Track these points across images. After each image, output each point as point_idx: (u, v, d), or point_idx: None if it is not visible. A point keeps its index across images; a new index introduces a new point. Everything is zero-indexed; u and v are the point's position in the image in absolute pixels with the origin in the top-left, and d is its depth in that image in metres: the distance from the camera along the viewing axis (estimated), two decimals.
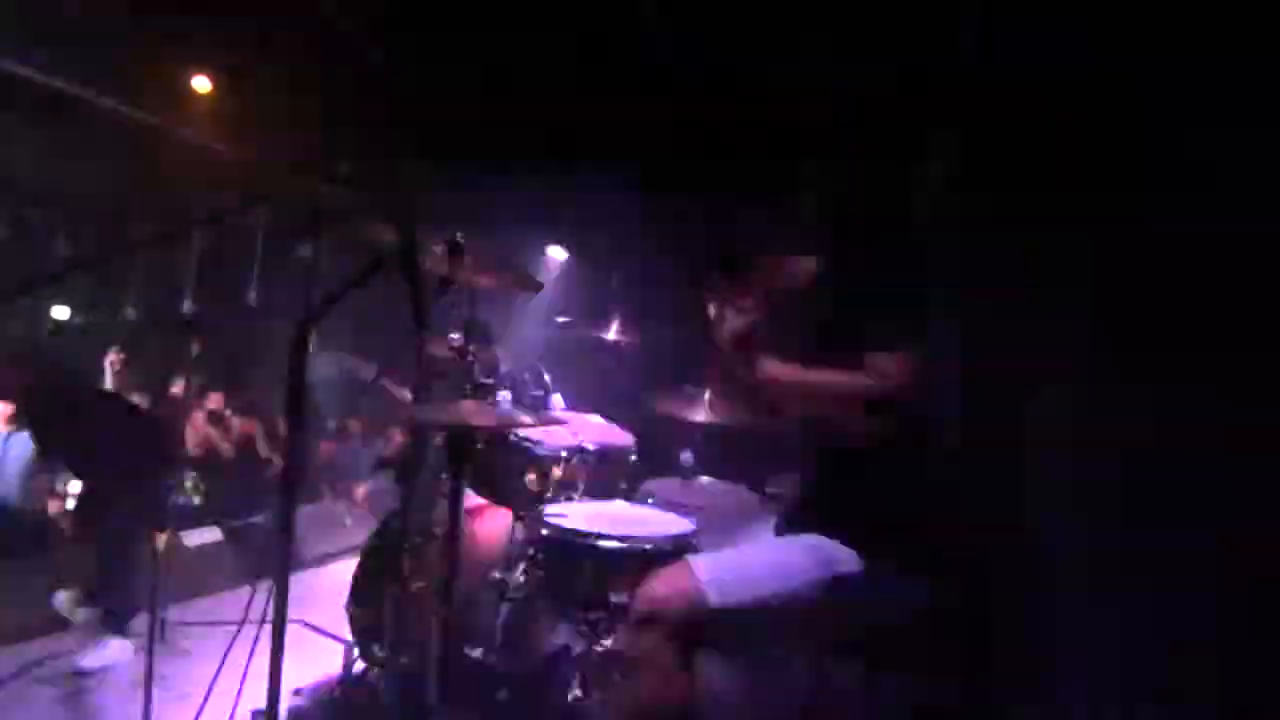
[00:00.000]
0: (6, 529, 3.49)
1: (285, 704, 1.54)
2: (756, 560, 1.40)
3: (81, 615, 2.92)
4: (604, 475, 2.34)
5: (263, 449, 5.01)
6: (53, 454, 3.55)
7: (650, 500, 2.32)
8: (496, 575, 2.07)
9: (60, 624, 2.97)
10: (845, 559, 1.37)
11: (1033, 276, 1.58)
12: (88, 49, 4.21)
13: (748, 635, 1.45)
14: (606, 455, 2.35)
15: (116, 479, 2.95)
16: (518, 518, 2.15)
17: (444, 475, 1.74)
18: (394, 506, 2.51)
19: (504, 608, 2.05)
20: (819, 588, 1.35)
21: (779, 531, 1.59)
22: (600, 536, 1.76)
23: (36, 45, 4.13)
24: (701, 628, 1.32)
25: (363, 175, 1.48)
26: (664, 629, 1.32)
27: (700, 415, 2.44)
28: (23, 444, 3.64)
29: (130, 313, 5.80)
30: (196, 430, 4.65)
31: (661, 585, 1.37)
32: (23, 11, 3.98)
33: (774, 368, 1.44)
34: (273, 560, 1.29)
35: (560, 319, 2.94)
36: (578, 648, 1.98)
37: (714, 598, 1.31)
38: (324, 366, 4.11)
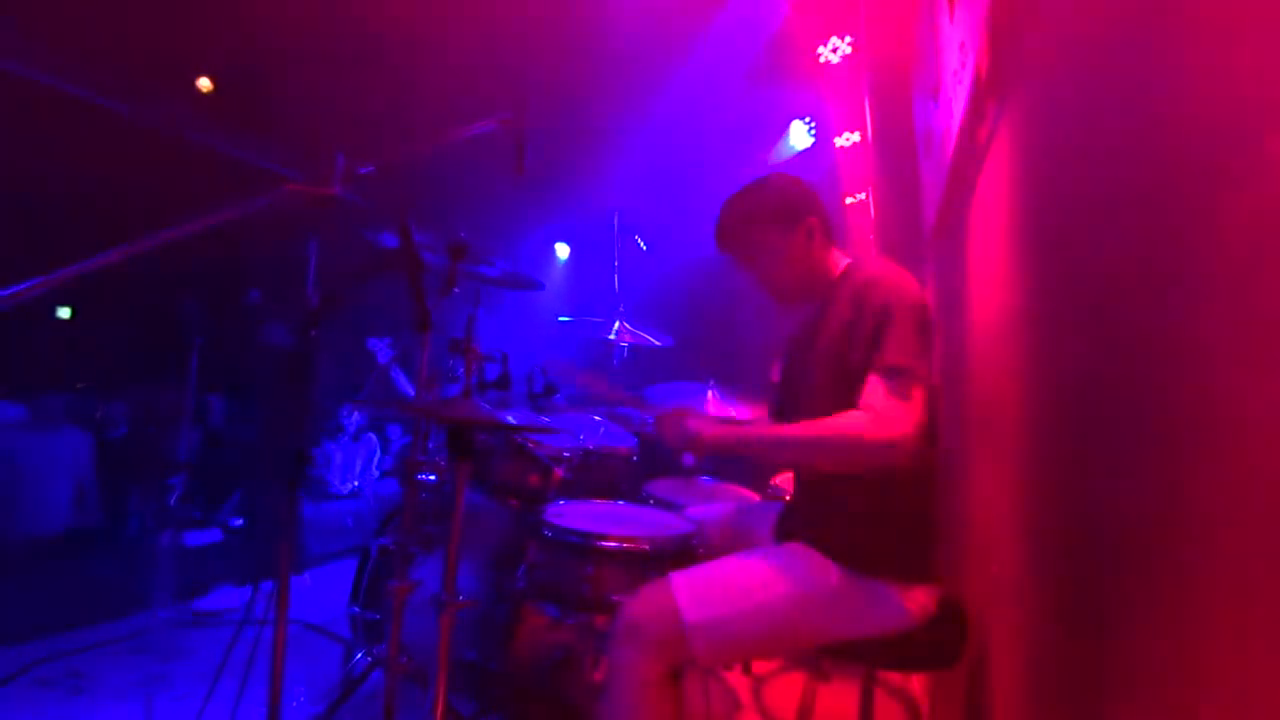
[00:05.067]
0: None
1: (285, 704, 1.54)
2: (736, 576, 1.37)
3: None
4: (604, 475, 2.34)
5: None
6: None
7: (650, 500, 2.32)
8: (497, 575, 2.07)
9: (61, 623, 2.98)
10: (827, 569, 1.36)
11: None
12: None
13: (730, 650, 1.44)
14: (607, 455, 2.35)
15: None
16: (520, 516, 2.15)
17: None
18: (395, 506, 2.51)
19: (504, 608, 2.04)
20: (800, 601, 1.34)
21: (775, 535, 1.59)
22: (600, 536, 1.76)
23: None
24: (682, 645, 1.31)
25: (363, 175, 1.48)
26: (644, 647, 1.31)
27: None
28: None
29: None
30: None
31: (640, 603, 1.36)
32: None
33: (737, 432, 1.41)
34: (273, 560, 1.29)
35: (561, 318, 2.94)
36: (578, 648, 1.98)
37: (693, 615, 1.30)
38: None
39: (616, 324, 2.88)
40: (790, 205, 1.55)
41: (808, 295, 1.59)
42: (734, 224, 1.59)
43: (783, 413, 1.68)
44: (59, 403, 3.73)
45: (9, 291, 1.00)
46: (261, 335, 3.29)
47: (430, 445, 2.31)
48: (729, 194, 1.62)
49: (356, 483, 5.32)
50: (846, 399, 1.36)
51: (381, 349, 3.53)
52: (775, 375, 1.67)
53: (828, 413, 1.46)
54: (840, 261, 1.57)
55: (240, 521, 4.18)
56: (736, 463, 2.81)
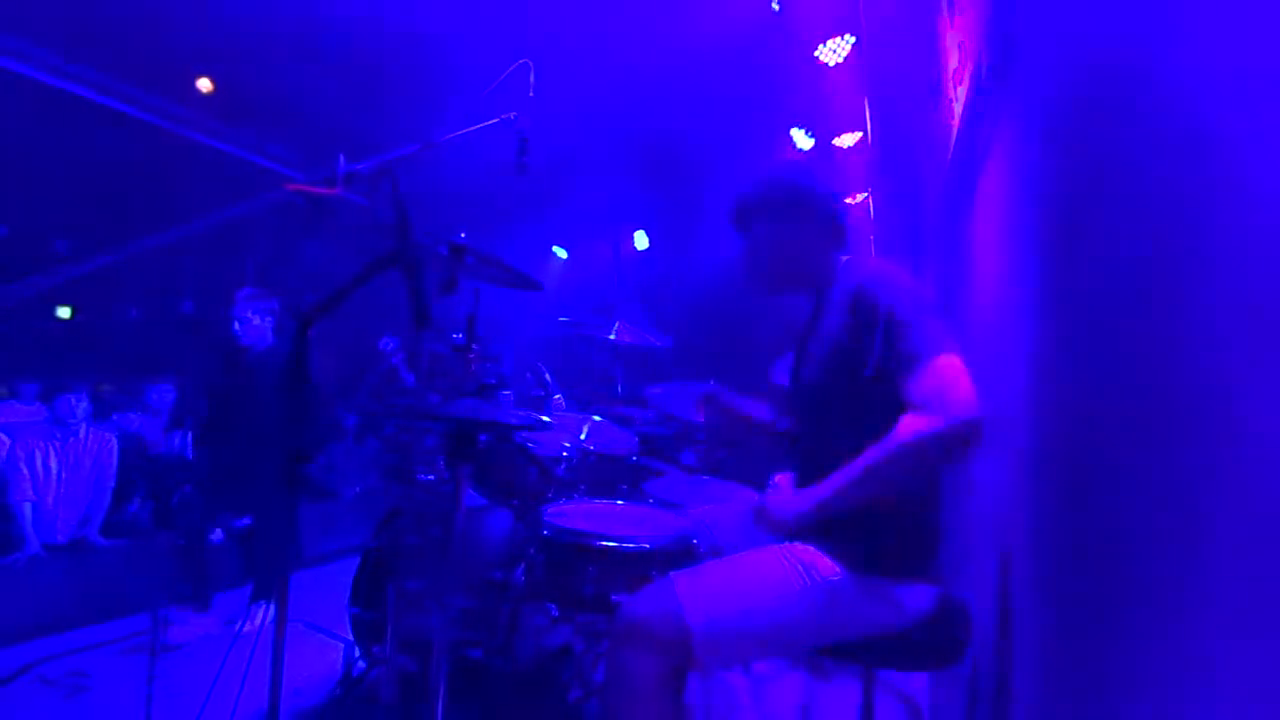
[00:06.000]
0: None
1: (285, 704, 1.54)
2: (739, 576, 1.37)
3: None
4: (604, 475, 2.34)
5: None
6: None
7: (651, 500, 2.32)
8: (497, 575, 2.06)
9: (60, 623, 2.99)
10: (830, 569, 1.36)
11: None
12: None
13: (733, 651, 1.43)
14: (607, 455, 2.35)
15: None
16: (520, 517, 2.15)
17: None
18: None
19: (504, 608, 2.04)
20: (802, 599, 1.34)
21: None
22: (600, 536, 1.75)
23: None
24: (684, 646, 1.30)
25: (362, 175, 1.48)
26: (646, 648, 1.30)
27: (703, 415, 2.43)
28: None
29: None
30: None
31: (642, 603, 1.35)
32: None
33: (818, 500, 1.34)
34: (274, 561, 1.28)
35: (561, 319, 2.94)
36: (578, 648, 1.98)
37: (695, 615, 1.30)
38: None
39: (616, 324, 2.88)
40: (793, 200, 1.54)
41: (794, 290, 1.59)
42: (740, 207, 1.61)
43: (793, 415, 1.68)
44: (82, 405, 3.70)
45: (9, 290, 1.00)
46: (240, 336, 3.23)
47: (430, 445, 2.32)
48: (728, 193, 1.63)
49: (358, 485, 5.32)
50: (851, 398, 1.35)
51: (391, 349, 3.56)
52: (777, 376, 1.67)
53: (829, 411, 1.45)
54: (838, 262, 1.56)
55: (242, 522, 4.18)
56: (736, 461, 2.81)
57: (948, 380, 1.21)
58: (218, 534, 3.92)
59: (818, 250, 1.55)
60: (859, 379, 1.34)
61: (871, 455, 1.27)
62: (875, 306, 1.33)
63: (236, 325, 3.24)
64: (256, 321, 3.23)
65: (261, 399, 3.16)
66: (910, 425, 1.22)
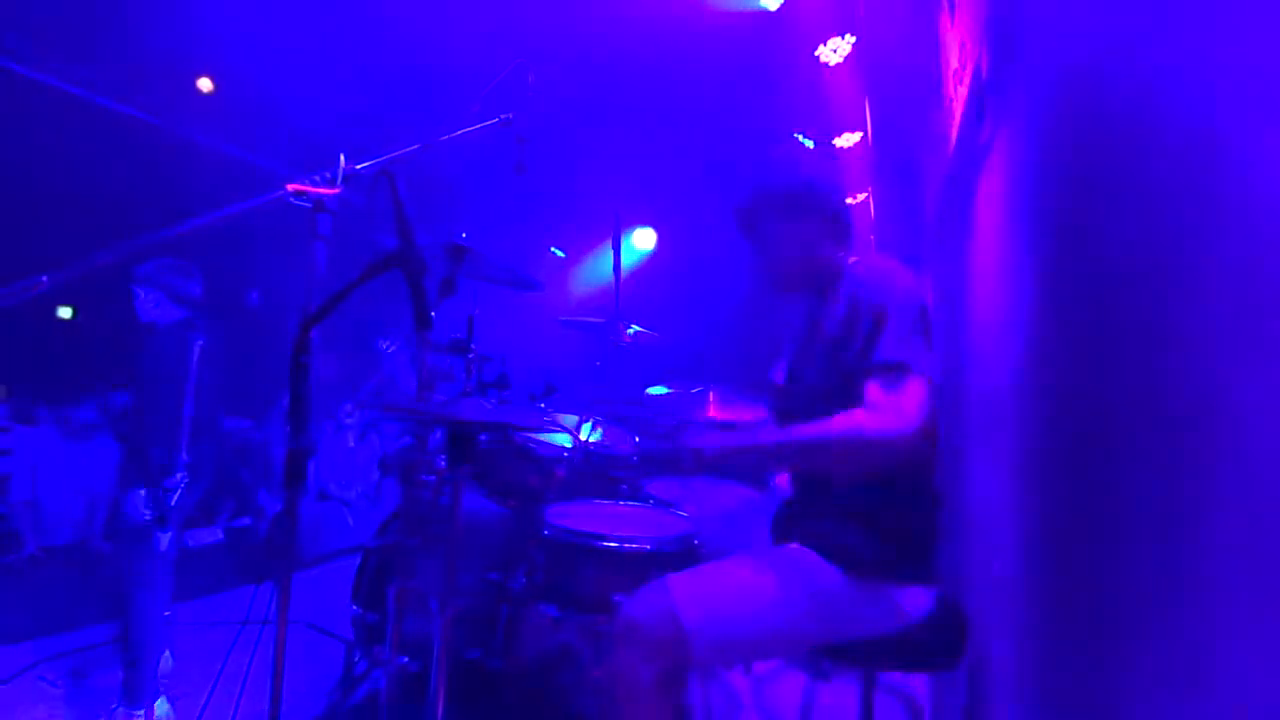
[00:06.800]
0: None
1: (286, 704, 1.54)
2: (734, 578, 1.37)
3: None
4: (605, 475, 2.34)
5: None
6: None
7: (651, 500, 2.32)
8: (497, 576, 2.06)
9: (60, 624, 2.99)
10: (825, 571, 1.35)
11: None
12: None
13: (730, 652, 1.43)
14: (608, 455, 2.35)
15: None
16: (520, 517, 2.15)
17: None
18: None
19: (504, 608, 2.04)
20: (798, 603, 1.33)
21: (772, 536, 1.58)
22: (601, 537, 1.75)
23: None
24: (681, 648, 1.30)
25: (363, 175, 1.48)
26: (643, 650, 1.31)
27: (704, 415, 2.43)
28: None
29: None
30: None
31: (639, 606, 1.35)
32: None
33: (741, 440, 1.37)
34: (274, 560, 1.28)
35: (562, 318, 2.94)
36: (578, 648, 1.97)
37: (691, 618, 1.30)
38: None
39: (616, 324, 2.88)
40: (797, 198, 1.53)
41: (801, 289, 1.58)
42: (742, 202, 1.59)
43: (786, 414, 1.67)
44: (87, 413, 3.69)
45: (10, 290, 1.00)
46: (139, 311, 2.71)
47: (430, 445, 2.31)
48: (728, 193, 1.62)
49: (359, 485, 5.32)
50: (845, 398, 1.35)
51: (386, 349, 3.51)
52: (777, 376, 1.67)
53: (829, 414, 1.45)
54: (843, 261, 1.56)
55: (243, 522, 4.18)
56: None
57: (910, 398, 1.26)
58: (217, 534, 3.92)
59: (824, 247, 1.54)
60: (850, 372, 1.34)
61: (806, 432, 1.31)
62: (869, 306, 1.34)
63: (137, 298, 2.74)
64: (141, 295, 2.72)
65: (157, 393, 2.64)
66: (854, 420, 1.26)
